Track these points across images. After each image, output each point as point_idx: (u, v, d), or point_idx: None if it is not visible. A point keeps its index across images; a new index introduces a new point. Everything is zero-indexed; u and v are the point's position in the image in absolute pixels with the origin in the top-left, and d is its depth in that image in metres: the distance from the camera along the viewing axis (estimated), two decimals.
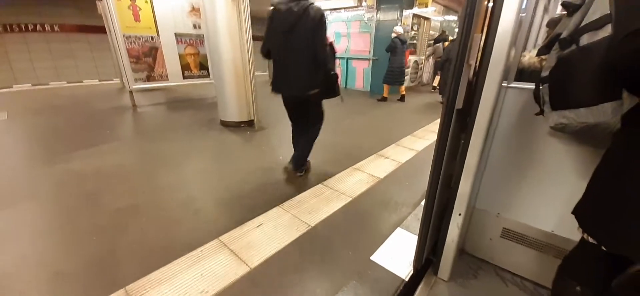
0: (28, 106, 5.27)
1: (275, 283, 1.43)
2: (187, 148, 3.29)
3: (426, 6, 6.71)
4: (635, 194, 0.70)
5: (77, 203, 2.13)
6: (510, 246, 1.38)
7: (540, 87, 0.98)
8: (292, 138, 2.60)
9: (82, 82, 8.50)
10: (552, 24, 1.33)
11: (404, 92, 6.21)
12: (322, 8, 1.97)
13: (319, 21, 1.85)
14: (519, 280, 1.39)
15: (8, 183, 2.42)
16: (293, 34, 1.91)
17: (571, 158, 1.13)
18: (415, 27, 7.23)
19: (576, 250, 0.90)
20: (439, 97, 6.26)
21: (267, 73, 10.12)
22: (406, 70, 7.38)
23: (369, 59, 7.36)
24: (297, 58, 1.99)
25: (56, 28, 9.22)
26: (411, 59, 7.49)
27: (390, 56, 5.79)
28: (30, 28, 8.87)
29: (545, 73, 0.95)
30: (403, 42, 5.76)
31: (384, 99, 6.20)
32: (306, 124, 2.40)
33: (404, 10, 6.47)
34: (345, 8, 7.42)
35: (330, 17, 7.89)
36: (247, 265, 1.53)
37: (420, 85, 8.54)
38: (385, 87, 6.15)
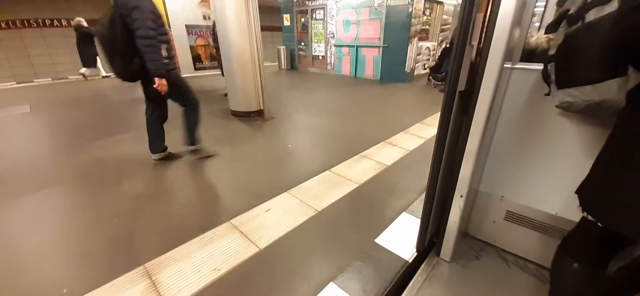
0: (49, 99, 5.53)
1: (283, 262, 1.50)
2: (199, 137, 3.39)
3: None
4: (635, 172, 0.70)
5: (99, 189, 2.27)
6: (513, 228, 1.38)
7: (548, 66, 0.97)
8: None
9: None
10: (562, 1, 1.29)
11: None
12: None
13: None
14: (521, 261, 1.40)
15: (35, 170, 2.60)
16: None
17: (579, 139, 1.11)
18: (427, 12, 7.02)
19: (575, 229, 0.91)
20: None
21: (276, 63, 10.14)
22: (418, 57, 7.22)
23: (379, 47, 7.24)
24: None
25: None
26: (423, 45, 7.31)
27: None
28: (47, 23, 9.20)
29: (552, 51, 0.94)
30: None
31: None
32: None
33: None
34: None
35: (339, 4, 7.77)
36: (256, 245, 1.61)
37: None
38: None
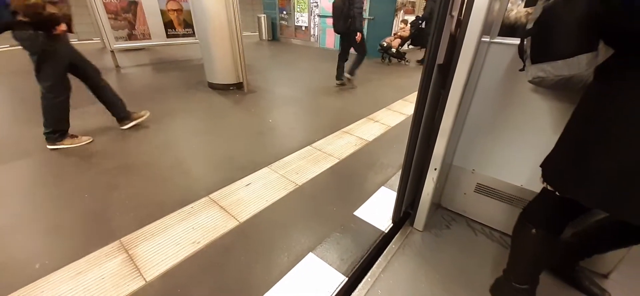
0: (7, 67, 4.99)
1: (263, 235, 1.52)
2: (175, 109, 3.24)
3: None
4: (593, 144, 0.74)
5: (68, 163, 2.14)
6: (482, 200, 1.47)
7: (524, 41, 0.98)
8: None
9: None
10: None
11: None
12: None
13: None
14: (488, 230, 1.51)
15: None
16: None
17: (549, 116, 1.16)
18: None
19: (536, 198, 0.98)
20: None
21: (256, 33, 9.65)
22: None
23: (365, 19, 7.03)
24: None
25: None
26: (409, 19, 7.17)
27: None
28: None
29: (530, 25, 0.95)
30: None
31: None
32: None
33: None
34: None
35: None
36: (236, 219, 1.61)
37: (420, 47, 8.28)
38: None
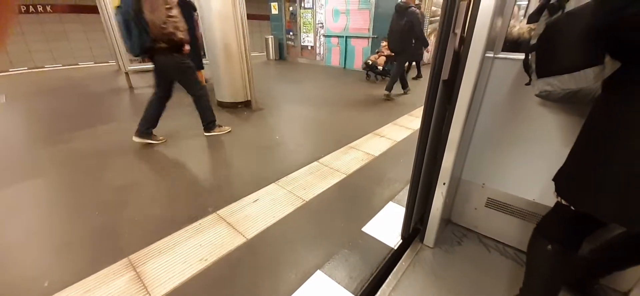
0: (25, 89, 5.26)
1: (271, 252, 1.50)
2: (184, 127, 3.32)
3: None
4: (605, 156, 0.73)
5: (80, 181, 2.19)
6: (494, 215, 1.43)
7: (529, 56, 0.99)
8: None
9: (77, 64, 8.41)
10: None
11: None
12: None
13: None
14: (501, 246, 1.46)
15: (13, 162, 2.48)
16: None
17: (557, 128, 1.15)
18: (417, 1, 7.00)
19: (550, 213, 0.95)
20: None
21: (264, 54, 9.95)
22: None
23: (368, 38, 7.21)
24: None
25: (49, 8, 8.99)
26: None
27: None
28: (22, 9, 8.65)
29: (533, 41, 0.96)
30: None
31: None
32: None
33: None
34: None
35: None
36: (243, 236, 1.60)
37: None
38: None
